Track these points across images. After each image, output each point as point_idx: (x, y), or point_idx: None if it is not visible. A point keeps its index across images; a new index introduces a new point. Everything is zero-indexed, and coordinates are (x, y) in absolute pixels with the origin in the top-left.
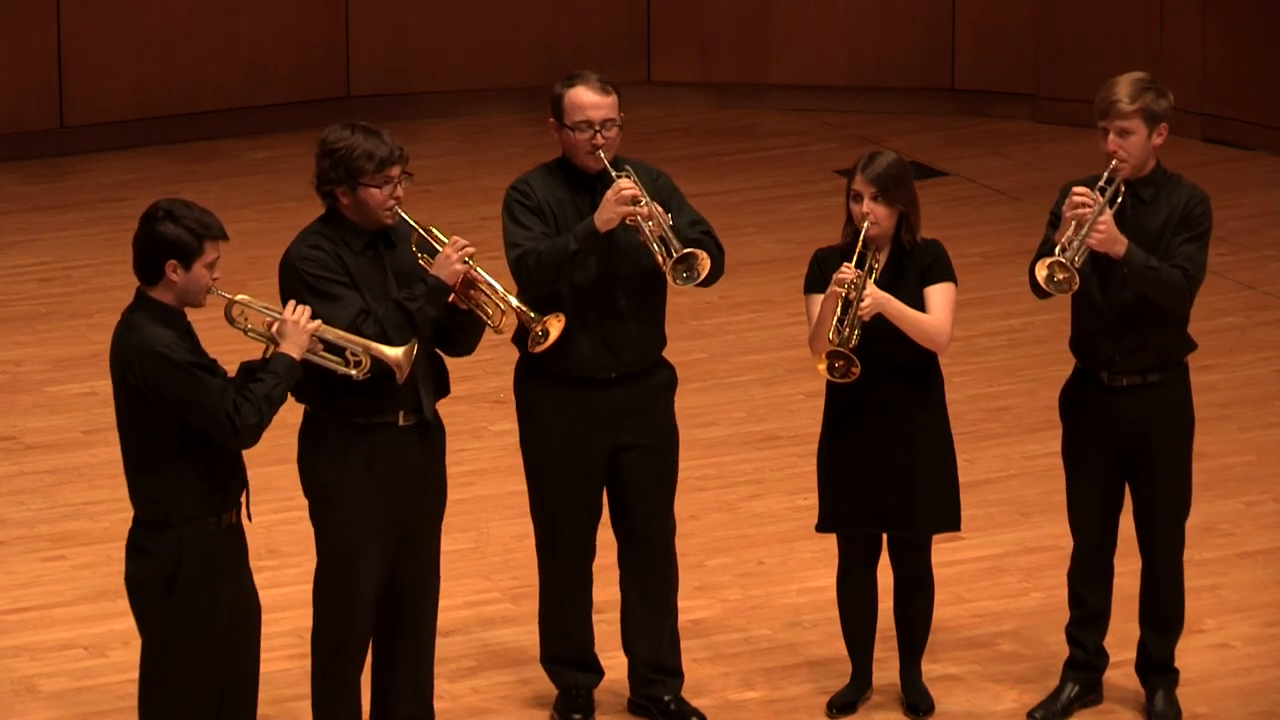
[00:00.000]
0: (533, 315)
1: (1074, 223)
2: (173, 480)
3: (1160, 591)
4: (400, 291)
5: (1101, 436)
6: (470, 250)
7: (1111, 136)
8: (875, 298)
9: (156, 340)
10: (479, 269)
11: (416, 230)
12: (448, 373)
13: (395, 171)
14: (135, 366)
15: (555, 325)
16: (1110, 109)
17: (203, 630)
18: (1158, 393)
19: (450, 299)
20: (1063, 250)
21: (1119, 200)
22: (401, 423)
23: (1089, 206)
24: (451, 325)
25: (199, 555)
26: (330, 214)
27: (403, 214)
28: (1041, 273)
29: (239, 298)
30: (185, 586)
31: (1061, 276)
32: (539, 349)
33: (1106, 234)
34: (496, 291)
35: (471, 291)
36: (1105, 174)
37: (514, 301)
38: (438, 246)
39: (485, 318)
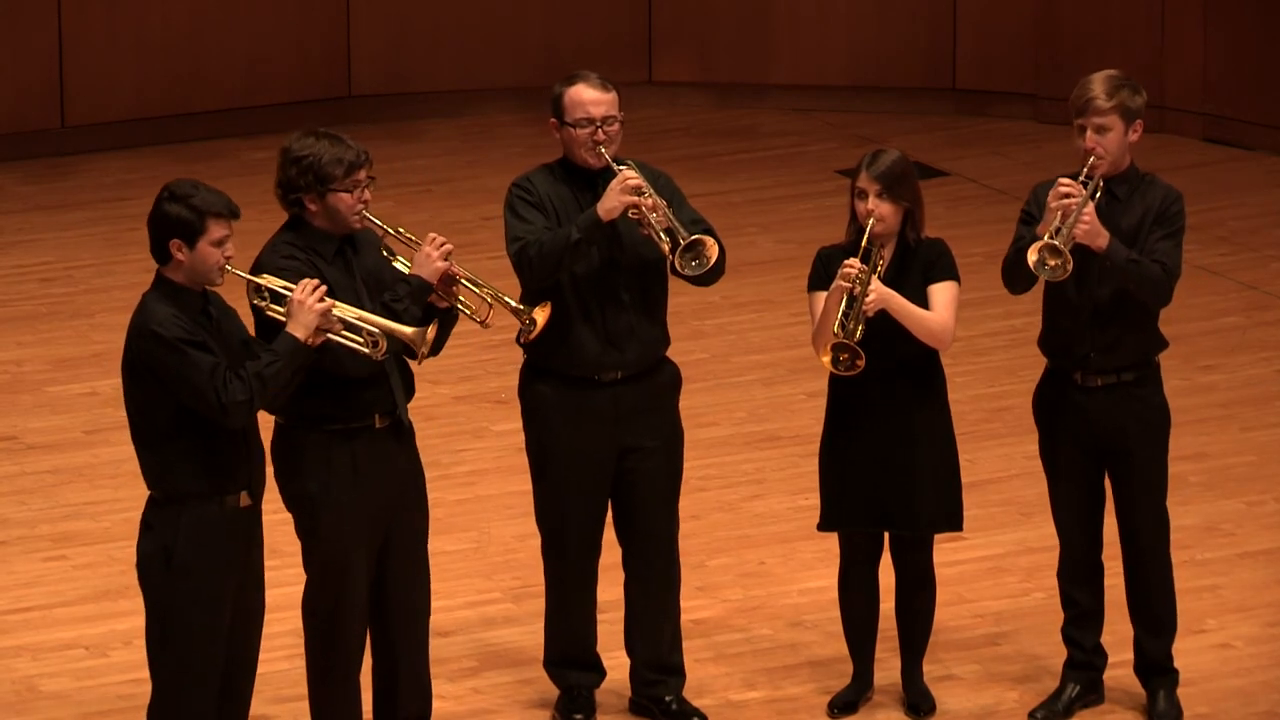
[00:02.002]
0: (520, 307)
1: (1060, 213)
2: (174, 458)
3: (1149, 593)
4: (385, 294)
5: (1078, 437)
6: (449, 248)
7: (1089, 133)
8: (880, 293)
9: (151, 318)
10: (458, 265)
11: (387, 232)
12: (413, 374)
13: (362, 175)
14: (133, 344)
15: (541, 314)
16: (1087, 106)
17: (200, 610)
18: (1132, 390)
19: (430, 298)
20: (1052, 236)
21: (1097, 195)
22: (378, 425)
23: (1074, 197)
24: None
25: (197, 533)
26: (295, 222)
27: (370, 216)
28: (1033, 257)
29: (258, 277)
30: (183, 563)
31: (1054, 262)
32: (528, 339)
33: (1091, 226)
34: (478, 285)
35: (453, 288)
36: (1084, 170)
37: (497, 293)
38: (410, 247)
39: (469, 313)
